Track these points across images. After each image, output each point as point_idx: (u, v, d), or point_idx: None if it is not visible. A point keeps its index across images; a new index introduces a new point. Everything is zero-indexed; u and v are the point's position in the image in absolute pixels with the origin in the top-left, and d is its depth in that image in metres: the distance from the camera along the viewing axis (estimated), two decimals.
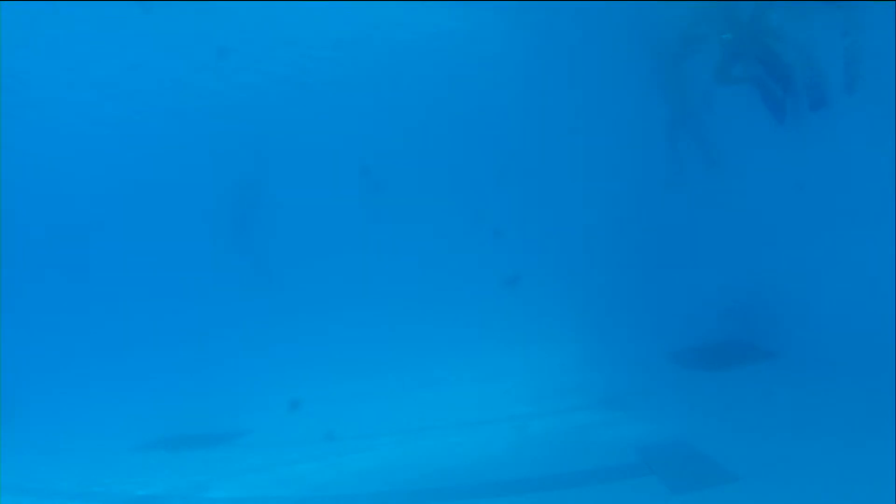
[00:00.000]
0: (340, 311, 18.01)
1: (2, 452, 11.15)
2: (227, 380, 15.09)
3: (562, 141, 17.51)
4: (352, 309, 18.11)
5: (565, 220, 17.42)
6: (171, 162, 22.40)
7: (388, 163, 20.72)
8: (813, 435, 6.42)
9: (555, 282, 16.07)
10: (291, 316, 18.20)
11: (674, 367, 10.55)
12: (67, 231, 23.65)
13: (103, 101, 20.28)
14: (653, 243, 14.14)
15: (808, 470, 5.64)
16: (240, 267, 22.56)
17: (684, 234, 12.99)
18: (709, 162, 12.32)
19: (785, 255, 10.70)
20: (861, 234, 9.09)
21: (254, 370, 15.58)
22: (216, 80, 19.81)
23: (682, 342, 11.50)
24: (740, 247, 11.70)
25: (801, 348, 9.49)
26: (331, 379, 13.72)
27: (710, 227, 12.36)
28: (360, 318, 17.24)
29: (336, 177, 21.86)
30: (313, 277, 20.92)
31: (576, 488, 6.24)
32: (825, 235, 9.86)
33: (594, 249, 15.69)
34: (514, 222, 18.19)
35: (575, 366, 11.95)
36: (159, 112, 20.91)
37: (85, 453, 11.00)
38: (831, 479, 5.36)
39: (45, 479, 9.38)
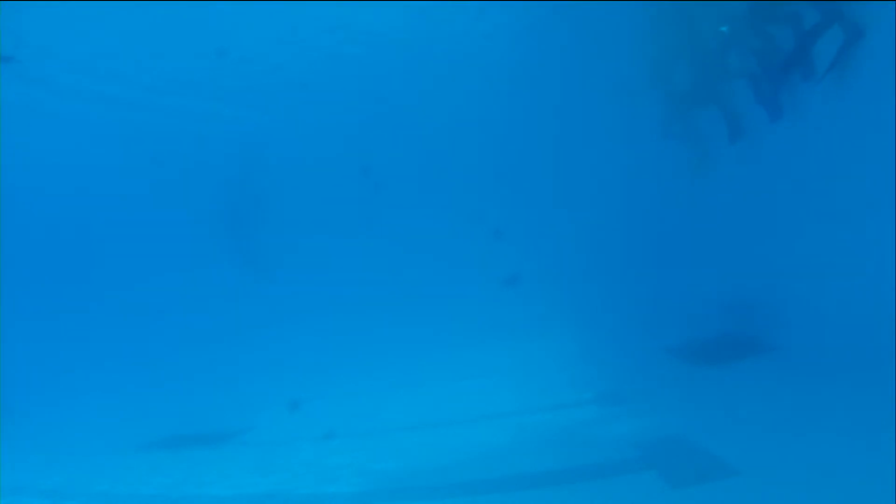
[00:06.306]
0: (339, 311, 18.02)
1: (2, 453, 11.19)
2: (226, 380, 15.12)
3: (561, 142, 17.53)
4: (351, 309, 18.13)
5: (563, 218, 17.45)
6: (170, 165, 22.41)
7: (388, 163, 20.72)
8: (812, 429, 6.41)
9: (552, 278, 16.11)
10: (291, 316, 18.19)
11: (672, 361, 10.52)
12: (68, 234, 23.64)
13: (100, 102, 20.17)
14: (651, 239, 14.15)
15: (808, 464, 5.63)
16: (240, 268, 22.60)
17: (682, 230, 12.97)
18: (696, 165, 12.29)
19: (784, 250, 10.65)
20: (860, 231, 9.04)
21: (254, 370, 15.61)
22: (213, 80, 19.68)
23: (681, 337, 11.51)
24: (739, 242, 11.66)
25: (799, 342, 9.46)
26: (330, 378, 13.74)
27: (709, 222, 12.33)
28: (360, 318, 17.26)
29: (335, 177, 21.86)
30: (312, 278, 20.95)
31: (576, 484, 6.23)
32: (824, 231, 9.81)
33: (592, 246, 15.71)
34: (513, 221, 18.23)
35: (574, 361, 11.96)
36: (157, 115, 20.84)
37: (86, 454, 10.96)
38: (831, 473, 5.35)
39: (46, 479, 9.36)
